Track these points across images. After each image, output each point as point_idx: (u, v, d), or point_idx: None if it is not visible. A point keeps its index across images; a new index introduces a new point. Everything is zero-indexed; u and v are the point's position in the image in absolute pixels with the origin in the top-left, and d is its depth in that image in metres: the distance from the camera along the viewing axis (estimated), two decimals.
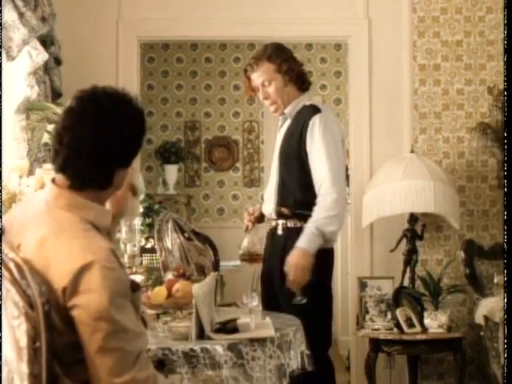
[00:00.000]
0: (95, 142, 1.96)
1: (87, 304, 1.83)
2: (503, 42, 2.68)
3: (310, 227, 3.38)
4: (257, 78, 3.52)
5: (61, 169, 1.98)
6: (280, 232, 3.50)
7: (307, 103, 3.58)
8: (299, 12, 5.21)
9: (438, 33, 5.25)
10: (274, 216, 3.53)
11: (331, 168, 3.43)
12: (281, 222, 3.50)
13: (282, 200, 3.50)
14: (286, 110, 3.58)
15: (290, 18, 5.19)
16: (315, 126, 3.47)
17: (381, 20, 5.24)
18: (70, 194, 1.99)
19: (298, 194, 3.49)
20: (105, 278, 1.84)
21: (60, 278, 1.85)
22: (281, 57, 3.51)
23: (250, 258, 3.36)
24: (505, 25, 2.81)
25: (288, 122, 3.59)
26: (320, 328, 3.45)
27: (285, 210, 3.49)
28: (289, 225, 3.48)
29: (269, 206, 3.56)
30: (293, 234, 3.44)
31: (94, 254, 1.87)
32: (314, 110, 3.54)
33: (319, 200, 3.42)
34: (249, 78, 3.55)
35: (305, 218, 3.43)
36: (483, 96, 5.23)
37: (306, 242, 3.36)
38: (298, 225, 3.45)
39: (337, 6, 5.24)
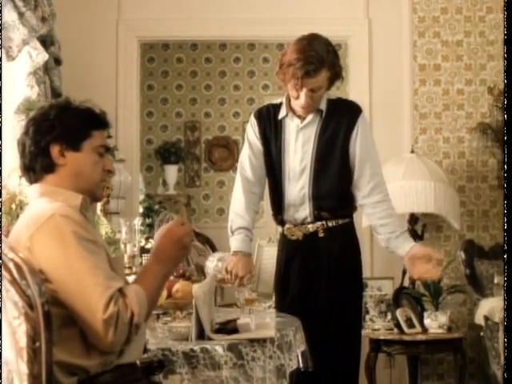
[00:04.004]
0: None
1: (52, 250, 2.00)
2: (503, 42, 2.69)
3: (403, 232, 3.32)
4: (311, 83, 3.20)
5: (24, 172, 2.23)
6: (322, 234, 3.32)
7: (332, 97, 3.39)
8: (299, 12, 5.21)
9: (438, 33, 5.25)
10: (310, 220, 3.34)
11: (380, 170, 3.40)
12: (320, 223, 3.33)
13: (320, 205, 3.32)
14: (322, 107, 3.35)
15: (290, 17, 5.19)
16: (366, 127, 3.37)
17: (381, 20, 5.24)
18: (39, 186, 2.19)
19: (337, 194, 3.34)
20: (66, 224, 2.02)
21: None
22: (338, 65, 3.27)
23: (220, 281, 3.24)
24: (505, 25, 2.81)
25: (317, 122, 3.35)
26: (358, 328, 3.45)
27: (324, 214, 3.32)
28: (329, 225, 3.32)
29: (302, 212, 3.35)
30: (335, 234, 3.33)
31: (53, 208, 2.07)
32: (357, 108, 3.40)
33: (386, 202, 3.33)
34: (301, 78, 3.20)
35: (342, 215, 3.35)
36: (483, 96, 5.24)
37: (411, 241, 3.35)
38: (340, 222, 3.34)
39: (337, 6, 5.24)
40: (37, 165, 2.18)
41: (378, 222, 3.33)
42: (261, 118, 3.45)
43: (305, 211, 3.35)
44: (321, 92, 3.28)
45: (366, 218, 4.75)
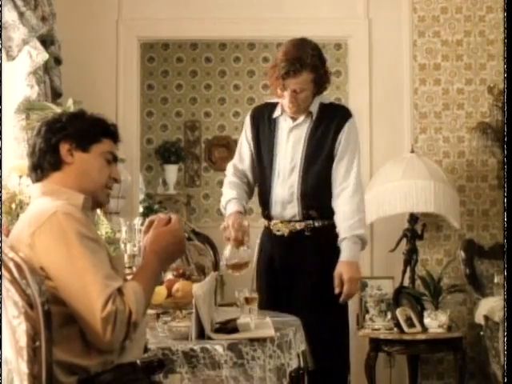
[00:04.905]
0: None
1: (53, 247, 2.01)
2: (503, 41, 2.68)
3: (348, 237, 3.36)
4: (293, 84, 3.34)
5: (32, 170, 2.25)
6: (308, 233, 3.43)
7: (325, 101, 3.51)
8: (299, 12, 5.21)
9: (438, 32, 5.25)
10: (297, 218, 3.44)
11: (357, 174, 3.45)
12: (307, 223, 3.43)
13: (308, 204, 3.42)
14: (313, 110, 3.47)
15: (290, 17, 5.19)
16: (352, 131, 3.46)
17: (381, 20, 5.24)
18: (41, 184, 2.21)
19: (324, 194, 3.44)
20: (68, 222, 2.03)
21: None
22: (322, 68, 3.39)
23: (234, 267, 3.21)
24: (505, 25, 2.81)
25: (308, 123, 3.47)
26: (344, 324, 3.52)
27: (313, 213, 3.42)
28: (316, 225, 3.42)
29: (290, 210, 3.45)
30: (321, 234, 3.44)
31: (56, 206, 2.08)
32: (347, 113, 3.52)
33: (348, 201, 3.40)
34: (282, 78, 3.35)
35: (329, 216, 3.43)
36: (483, 96, 5.23)
37: (351, 254, 3.37)
38: (326, 223, 3.43)
39: (337, 6, 5.24)
40: (45, 162, 2.20)
41: (336, 223, 3.41)
42: (255, 117, 3.59)
43: (293, 209, 3.45)
44: (304, 94, 3.39)
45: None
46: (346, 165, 3.43)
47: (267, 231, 3.54)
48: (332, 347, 3.37)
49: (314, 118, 3.47)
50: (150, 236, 2.21)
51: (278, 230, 3.47)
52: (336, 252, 3.42)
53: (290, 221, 3.45)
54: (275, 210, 3.48)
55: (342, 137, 3.42)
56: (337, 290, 3.34)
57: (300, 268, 3.44)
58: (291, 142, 3.47)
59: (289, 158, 3.46)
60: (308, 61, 3.34)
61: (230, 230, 3.31)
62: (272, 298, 3.43)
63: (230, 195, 3.53)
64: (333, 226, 3.43)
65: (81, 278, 1.98)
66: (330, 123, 3.45)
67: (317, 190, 3.43)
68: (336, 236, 3.42)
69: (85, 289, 1.97)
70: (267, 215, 3.52)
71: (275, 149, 3.49)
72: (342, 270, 3.35)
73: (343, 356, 3.46)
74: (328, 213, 3.44)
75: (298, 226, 3.44)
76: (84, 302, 1.97)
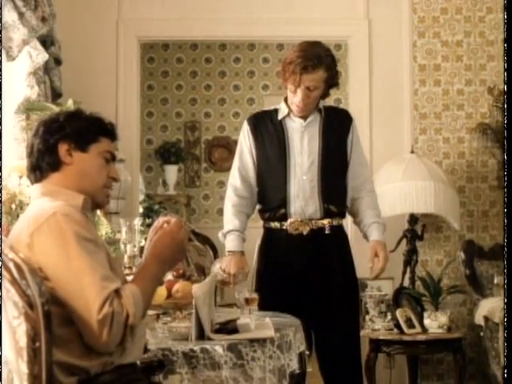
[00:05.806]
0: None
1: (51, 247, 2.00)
2: (503, 42, 2.68)
3: (378, 221, 3.58)
4: (308, 80, 3.41)
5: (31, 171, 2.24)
6: (328, 231, 3.48)
7: (325, 104, 3.64)
8: (299, 12, 5.21)
9: (438, 33, 5.25)
10: (319, 215, 3.48)
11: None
12: (327, 221, 3.49)
13: (328, 198, 3.50)
14: (321, 108, 3.60)
15: (290, 18, 5.19)
16: (358, 131, 3.68)
17: (381, 20, 5.24)
18: (41, 185, 2.20)
19: (342, 191, 3.56)
20: (67, 223, 2.02)
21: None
22: (334, 69, 3.49)
23: (223, 283, 3.40)
24: (505, 25, 2.81)
25: (319, 121, 3.57)
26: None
27: (333, 208, 3.50)
28: (334, 223, 3.50)
29: (311, 205, 3.49)
30: (339, 232, 3.55)
31: (55, 207, 2.07)
32: (350, 114, 3.71)
33: (370, 195, 3.64)
34: (300, 73, 3.41)
35: (343, 214, 3.58)
36: (483, 96, 5.24)
37: (381, 236, 3.58)
38: (340, 222, 3.56)
39: (337, 6, 5.24)
40: (43, 163, 2.19)
41: (358, 213, 3.62)
42: (255, 124, 3.63)
43: (314, 204, 3.49)
44: (316, 93, 3.47)
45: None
46: (362, 160, 3.65)
47: (278, 232, 3.53)
48: (357, 344, 3.56)
49: (322, 116, 3.57)
50: (152, 240, 2.21)
51: (296, 229, 3.47)
52: (351, 253, 3.59)
53: (310, 219, 3.48)
54: (295, 206, 3.49)
55: (354, 138, 3.60)
56: (370, 264, 3.52)
57: (325, 266, 3.48)
58: (306, 140, 3.54)
59: (306, 154, 3.52)
60: (324, 58, 3.43)
61: (231, 278, 3.41)
62: (289, 305, 3.38)
63: (231, 225, 3.59)
64: (343, 226, 3.59)
65: (78, 280, 1.98)
66: (338, 123, 3.60)
67: (334, 183, 3.53)
68: (347, 235, 3.62)
69: (82, 290, 1.97)
70: (283, 214, 3.51)
71: (288, 147, 3.53)
72: (376, 247, 3.51)
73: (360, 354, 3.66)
74: (343, 210, 3.57)
75: (321, 223, 3.48)
76: (81, 304, 1.97)
